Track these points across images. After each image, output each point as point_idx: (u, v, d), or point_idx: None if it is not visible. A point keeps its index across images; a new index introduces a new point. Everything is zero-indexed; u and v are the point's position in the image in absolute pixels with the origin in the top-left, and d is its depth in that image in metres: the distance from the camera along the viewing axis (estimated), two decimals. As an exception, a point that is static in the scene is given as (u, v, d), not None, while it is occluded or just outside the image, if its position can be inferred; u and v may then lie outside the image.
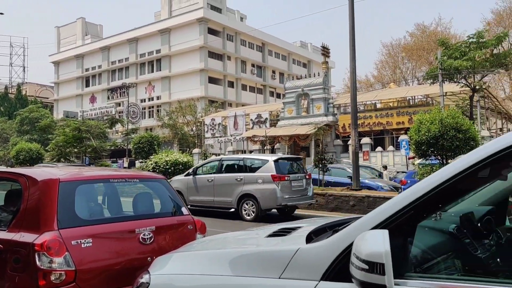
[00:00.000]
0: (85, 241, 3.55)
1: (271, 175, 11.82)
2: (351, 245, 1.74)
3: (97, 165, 36.10)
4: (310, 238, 2.25)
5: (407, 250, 1.78)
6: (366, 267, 1.59)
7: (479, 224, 2.29)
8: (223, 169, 13.17)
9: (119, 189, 4.49)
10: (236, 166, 13.05)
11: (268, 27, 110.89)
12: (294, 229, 2.62)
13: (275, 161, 12.19)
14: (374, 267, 1.57)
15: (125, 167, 35.59)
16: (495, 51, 22.49)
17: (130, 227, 3.94)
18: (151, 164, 21.16)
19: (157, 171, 20.66)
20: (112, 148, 42.51)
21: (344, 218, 2.96)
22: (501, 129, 33.47)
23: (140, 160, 28.87)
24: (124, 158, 38.17)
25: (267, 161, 12.29)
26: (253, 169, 12.47)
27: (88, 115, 54.12)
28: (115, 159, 44.31)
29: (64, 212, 3.61)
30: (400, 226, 1.73)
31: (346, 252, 1.79)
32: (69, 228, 3.56)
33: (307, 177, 12.93)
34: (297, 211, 13.89)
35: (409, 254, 1.79)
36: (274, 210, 13.09)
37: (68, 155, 35.32)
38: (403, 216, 1.73)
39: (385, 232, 1.62)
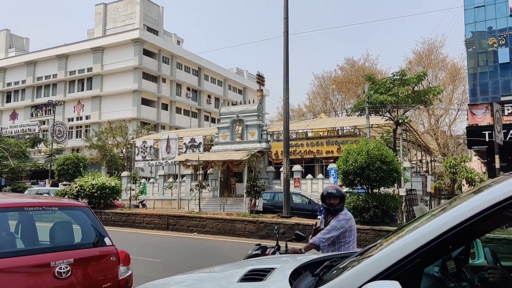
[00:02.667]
0: (-10, 276, 3.21)
1: None
2: None
3: (14, 186, 33.61)
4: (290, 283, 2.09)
5: None
6: None
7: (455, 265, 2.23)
8: None
9: (36, 218, 4.15)
10: None
11: (205, 53, 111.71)
12: (267, 271, 2.42)
13: None
14: None
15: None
16: (416, 88, 24.22)
17: (44, 260, 3.63)
18: (76, 187, 20.04)
19: (82, 195, 19.60)
20: (33, 169, 39.88)
21: (315, 256, 2.80)
22: (420, 161, 35.83)
23: (64, 183, 27.26)
24: (46, 180, 35.90)
25: None
26: None
27: (7, 132, 50.48)
28: (35, 180, 41.55)
29: (-33, 245, 3.25)
30: (406, 275, 1.58)
31: None
32: (-28, 262, 3.21)
33: None
34: (227, 239, 13.70)
35: None
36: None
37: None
38: (410, 263, 1.57)
39: (396, 285, 1.49)
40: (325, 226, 4.91)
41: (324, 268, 2.10)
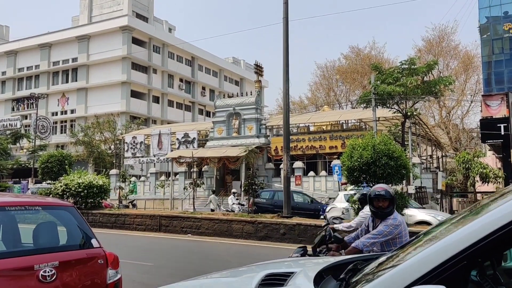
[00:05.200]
0: (-31, 281, 3.23)
1: None
2: None
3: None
4: None
5: None
6: None
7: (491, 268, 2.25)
8: None
9: (18, 219, 4.17)
10: None
11: (199, 41, 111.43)
12: (287, 275, 2.35)
13: None
14: None
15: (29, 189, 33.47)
16: (425, 79, 24.25)
17: (28, 263, 3.65)
18: (61, 186, 20.10)
19: (67, 194, 19.64)
20: (15, 167, 39.82)
21: (335, 260, 2.76)
22: (431, 156, 35.91)
23: (48, 182, 27.26)
24: (29, 179, 35.91)
25: None
26: None
27: (-13, 128, 50.34)
28: (18, 179, 41.55)
29: None
30: (452, 278, 1.51)
31: None
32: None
33: None
34: (223, 241, 13.73)
35: None
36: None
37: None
38: (456, 265, 1.50)
39: None
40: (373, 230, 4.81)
41: (348, 271, 2.09)
